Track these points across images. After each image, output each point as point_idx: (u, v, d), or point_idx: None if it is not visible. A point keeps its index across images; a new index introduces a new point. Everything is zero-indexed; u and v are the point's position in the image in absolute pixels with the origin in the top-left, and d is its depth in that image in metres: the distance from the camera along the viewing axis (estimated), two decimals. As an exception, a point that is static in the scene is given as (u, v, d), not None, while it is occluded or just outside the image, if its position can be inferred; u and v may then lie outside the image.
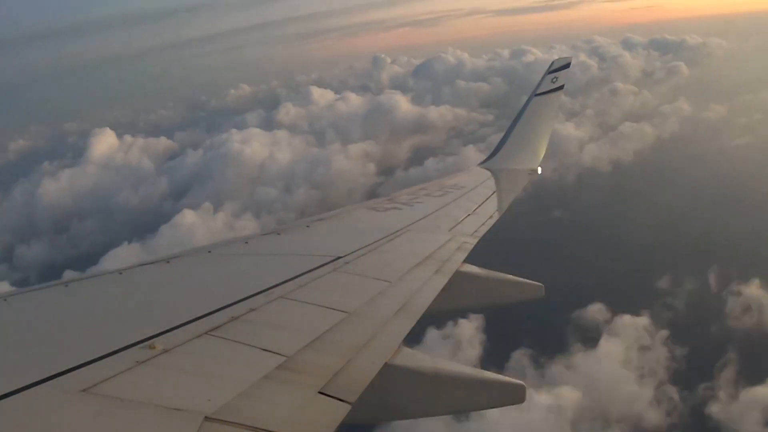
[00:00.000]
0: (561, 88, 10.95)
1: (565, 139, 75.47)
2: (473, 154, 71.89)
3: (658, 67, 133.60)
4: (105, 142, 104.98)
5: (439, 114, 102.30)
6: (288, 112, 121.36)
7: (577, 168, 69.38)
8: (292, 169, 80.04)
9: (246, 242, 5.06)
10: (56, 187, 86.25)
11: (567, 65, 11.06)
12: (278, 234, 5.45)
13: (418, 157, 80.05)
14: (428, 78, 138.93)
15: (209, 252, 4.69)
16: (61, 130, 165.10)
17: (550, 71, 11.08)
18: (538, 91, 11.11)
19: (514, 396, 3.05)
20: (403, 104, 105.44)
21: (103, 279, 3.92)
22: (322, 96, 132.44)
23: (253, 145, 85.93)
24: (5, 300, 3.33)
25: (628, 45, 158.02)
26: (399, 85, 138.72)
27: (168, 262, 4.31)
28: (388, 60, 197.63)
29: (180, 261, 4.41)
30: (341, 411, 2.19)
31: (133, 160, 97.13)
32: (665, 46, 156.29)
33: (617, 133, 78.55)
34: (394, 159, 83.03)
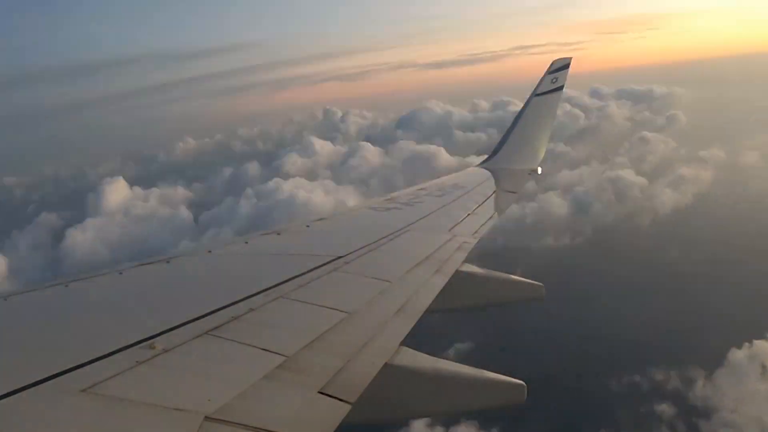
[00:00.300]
0: (561, 88, 10.94)
1: (630, 185, 76.46)
2: (553, 198, 72.47)
3: (648, 117, 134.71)
4: (118, 192, 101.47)
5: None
6: (294, 162, 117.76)
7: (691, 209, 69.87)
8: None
9: (246, 242, 5.06)
10: (85, 238, 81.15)
11: (567, 66, 11.04)
12: (278, 234, 5.45)
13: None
14: (416, 129, 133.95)
15: (209, 252, 4.69)
16: (1, 184, 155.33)
17: (550, 71, 11.05)
18: (538, 92, 11.09)
19: (514, 396, 3.05)
20: (442, 153, 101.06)
21: (103, 279, 3.91)
22: (323, 147, 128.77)
23: (317, 193, 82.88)
24: (5, 300, 3.33)
25: (596, 95, 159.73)
26: (381, 137, 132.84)
27: (168, 262, 4.31)
28: (339, 113, 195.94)
29: (180, 261, 4.41)
30: (341, 411, 2.19)
31: (164, 210, 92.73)
32: (634, 95, 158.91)
33: (678, 177, 79.73)
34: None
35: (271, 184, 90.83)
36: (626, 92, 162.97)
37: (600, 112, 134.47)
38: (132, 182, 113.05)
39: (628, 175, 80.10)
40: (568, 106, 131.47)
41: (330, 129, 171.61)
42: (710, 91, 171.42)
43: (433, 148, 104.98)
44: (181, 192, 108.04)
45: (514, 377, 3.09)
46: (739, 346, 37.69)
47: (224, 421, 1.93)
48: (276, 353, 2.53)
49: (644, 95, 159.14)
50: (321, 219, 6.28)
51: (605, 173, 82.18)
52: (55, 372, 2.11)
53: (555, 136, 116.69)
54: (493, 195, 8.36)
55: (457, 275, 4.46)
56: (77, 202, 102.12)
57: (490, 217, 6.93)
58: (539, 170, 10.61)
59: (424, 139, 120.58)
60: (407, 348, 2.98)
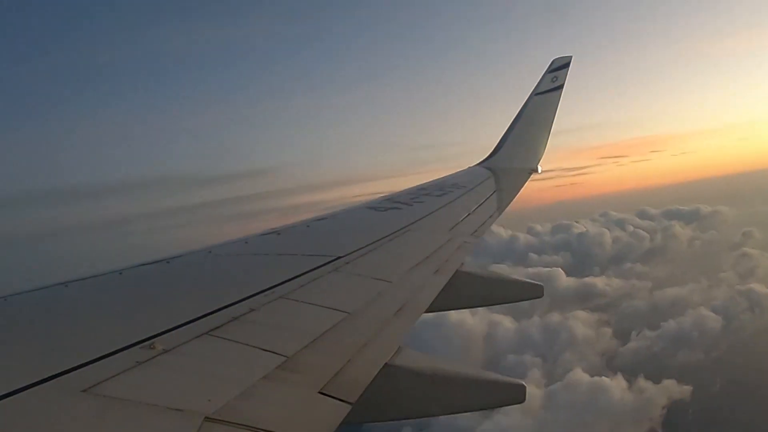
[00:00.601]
0: (561, 87, 10.91)
1: (764, 298, 77.20)
2: (704, 312, 73.22)
3: (717, 235, 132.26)
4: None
5: (603, 283, 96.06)
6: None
7: None
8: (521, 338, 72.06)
9: (246, 242, 5.06)
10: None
11: (567, 64, 11.02)
12: (278, 234, 5.45)
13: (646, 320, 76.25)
14: (477, 254, 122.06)
15: (209, 252, 4.69)
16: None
17: (550, 70, 11.03)
18: (538, 91, 11.06)
19: (514, 396, 3.05)
20: (561, 275, 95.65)
21: (103, 279, 3.91)
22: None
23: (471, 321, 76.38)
24: (5, 300, 3.33)
25: (645, 216, 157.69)
26: None
27: (168, 262, 4.31)
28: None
29: (180, 261, 4.41)
30: (341, 411, 2.19)
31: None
32: (682, 215, 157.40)
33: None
34: (622, 326, 76.97)
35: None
36: (673, 212, 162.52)
37: (665, 232, 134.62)
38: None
39: (759, 288, 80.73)
40: (631, 227, 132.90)
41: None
42: (745, 207, 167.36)
43: (551, 271, 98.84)
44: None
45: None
46: None
47: (224, 421, 1.93)
48: (276, 353, 2.53)
49: (692, 215, 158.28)
50: (321, 219, 6.28)
51: (735, 287, 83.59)
52: (55, 372, 2.11)
53: (627, 257, 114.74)
54: (494, 194, 8.36)
55: (457, 275, 4.46)
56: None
57: (491, 217, 6.93)
58: (539, 169, 10.60)
59: (494, 262, 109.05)
60: (407, 348, 2.98)
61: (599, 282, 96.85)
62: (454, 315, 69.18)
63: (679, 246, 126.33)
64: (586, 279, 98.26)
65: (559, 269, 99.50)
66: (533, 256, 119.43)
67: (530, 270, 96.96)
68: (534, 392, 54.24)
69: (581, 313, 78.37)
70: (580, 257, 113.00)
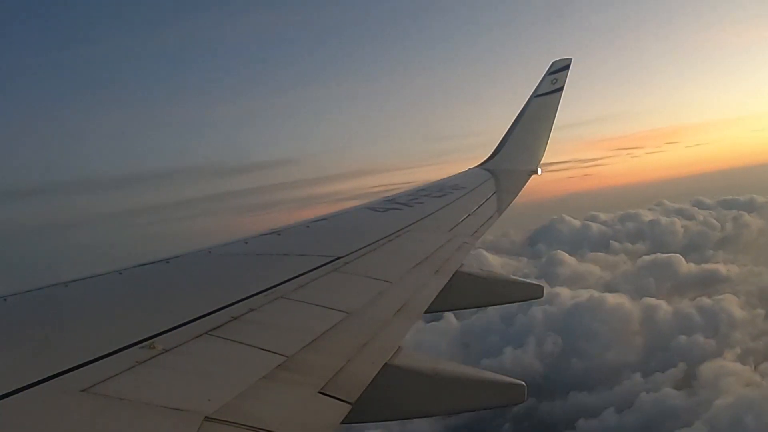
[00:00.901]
0: (561, 89, 10.92)
1: None
2: None
3: None
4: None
5: (725, 269, 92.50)
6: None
7: None
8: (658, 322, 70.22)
9: (246, 242, 5.06)
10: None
11: (567, 66, 11.02)
12: (278, 234, 5.45)
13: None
14: (552, 243, 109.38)
15: (209, 252, 4.69)
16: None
17: (550, 72, 11.03)
18: (538, 93, 11.06)
19: (514, 395, 3.05)
20: (681, 261, 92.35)
21: (103, 279, 3.91)
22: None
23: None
24: (5, 300, 3.33)
25: (701, 205, 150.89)
26: (524, 251, 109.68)
27: (168, 262, 4.31)
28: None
29: (180, 261, 4.40)
30: (341, 411, 2.19)
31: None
32: (738, 205, 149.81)
33: None
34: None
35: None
36: (730, 202, 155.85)
37: (736, 221, 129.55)
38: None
39: None
40: (701, 216, 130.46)
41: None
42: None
43: (671, 257, 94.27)
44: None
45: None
46: None
47: (224, 421, 1.93)
48: (276, 353, 2.53)
49: (749, 204, 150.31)
50: (321, 219, 6.28)
51: None
52: (55, 372, 2.11)
53: (705, 245, 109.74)
54: (493, 196, 8.37)
55: (457, 275, 4.46)
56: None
57: (490, 218, 6.94)
58: (539, 171, 10.61)
59: (572, 250, 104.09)
60: (407, 348, 2.98)
61: (721, 267, 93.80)
62: (611, 298, 69.74)
63: (752, 235, 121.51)
64: (706, 265, 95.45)
65: (678, 255, 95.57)
66: (615, 244, 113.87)
67: (646, 258, 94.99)
68: (739, 368, 54.22)
69: (729, 296, 75.99)
70: (657, 245, 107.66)
